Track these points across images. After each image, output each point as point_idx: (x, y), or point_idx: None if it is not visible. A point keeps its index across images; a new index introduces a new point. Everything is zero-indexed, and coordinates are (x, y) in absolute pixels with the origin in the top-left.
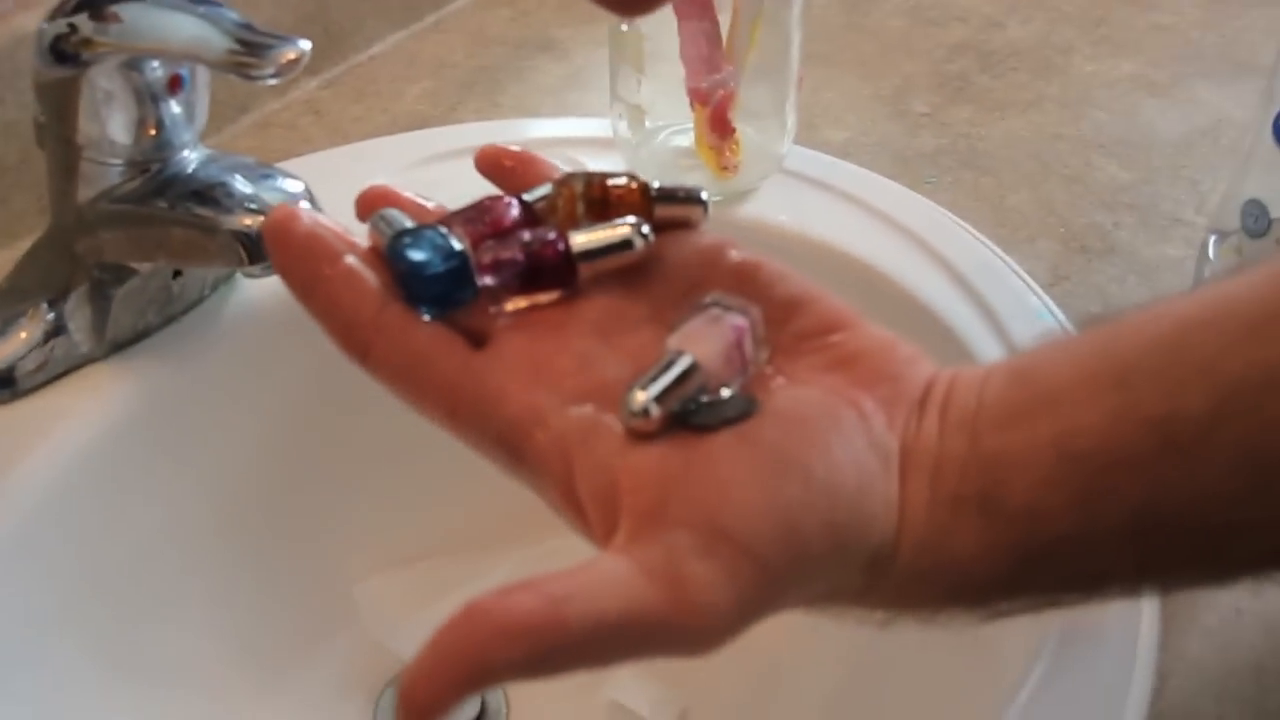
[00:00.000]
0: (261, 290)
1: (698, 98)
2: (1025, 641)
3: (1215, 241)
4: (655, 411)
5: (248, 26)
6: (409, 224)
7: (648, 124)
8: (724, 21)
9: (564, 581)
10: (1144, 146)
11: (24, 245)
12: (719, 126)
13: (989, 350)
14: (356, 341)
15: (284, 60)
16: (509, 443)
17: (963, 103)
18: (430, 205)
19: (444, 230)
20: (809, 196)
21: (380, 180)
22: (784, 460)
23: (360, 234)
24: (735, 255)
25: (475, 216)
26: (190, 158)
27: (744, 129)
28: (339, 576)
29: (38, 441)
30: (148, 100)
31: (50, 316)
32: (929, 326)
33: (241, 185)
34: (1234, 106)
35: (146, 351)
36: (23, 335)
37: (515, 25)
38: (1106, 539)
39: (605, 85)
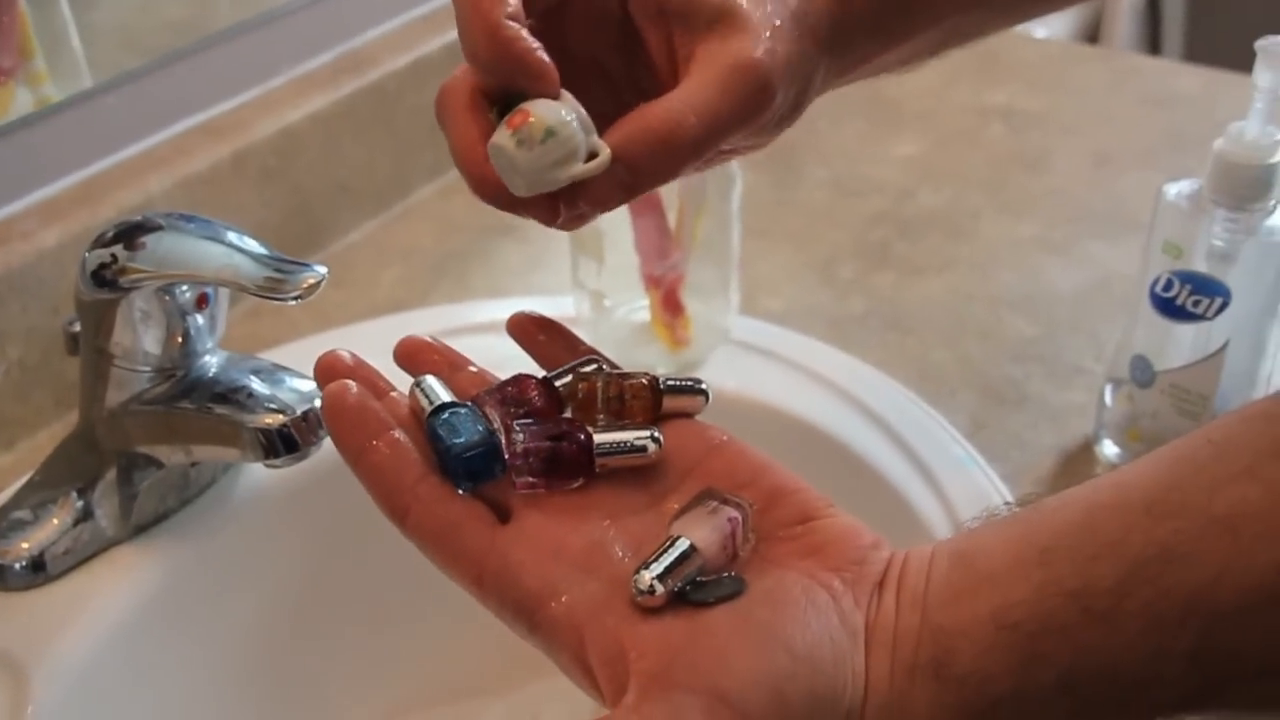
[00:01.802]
0: (265, 475)
1: (652, 282)
2: None
3: (1111, 389)
4: (660, 589)
5: (272, 255)
6: (445, 395)
7: (606, 304)
8: (671, 216)
9: None
10: (1046, 302)
11: (42, 436)
12: (671, 306)
13: (922, 499)
14: (397, 506)
15: (306, 285)
16: (526, 611)
17: (885, 268)
18: (468, 365)
19: (477, 412)
20: (754, 363)
21: (384, 359)
22: (772, 635)
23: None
24: (723, 443)
25: (506, 399)
26: (211, 362)
27: (693, 306)
28: None
29: (68, 622)
30: (177, 316)
31: (79, 505)
32: (868, 480)
33: (260, 387)
34: (1122, 262)
35: (166, 533)
36: (54, 522)
37: (476, 212)
38: (1040, 695)
39: (565, 265)
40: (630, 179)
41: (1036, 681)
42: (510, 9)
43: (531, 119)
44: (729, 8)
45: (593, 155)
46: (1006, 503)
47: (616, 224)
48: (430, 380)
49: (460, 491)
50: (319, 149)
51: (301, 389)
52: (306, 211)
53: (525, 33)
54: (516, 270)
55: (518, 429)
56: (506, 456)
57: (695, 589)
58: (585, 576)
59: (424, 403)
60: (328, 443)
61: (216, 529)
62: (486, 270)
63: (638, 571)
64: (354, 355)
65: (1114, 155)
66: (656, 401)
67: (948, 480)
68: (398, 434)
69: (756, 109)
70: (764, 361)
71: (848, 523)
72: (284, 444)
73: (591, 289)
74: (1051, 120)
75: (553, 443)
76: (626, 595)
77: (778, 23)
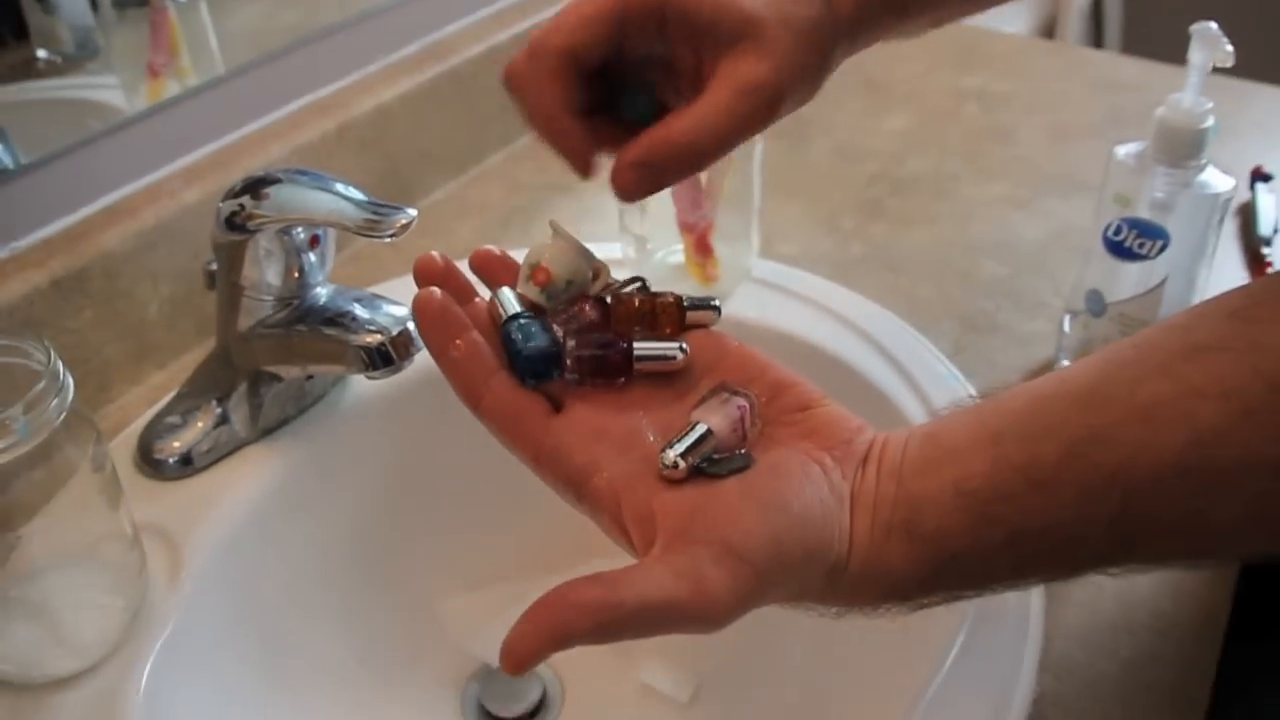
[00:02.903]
0: (367, 387)
1: (686, 228)
2: (949, 624)
3: (1069, 319)
4: (682, 465)
5: (370, 201)
6: (517, 307)
7: (649, 246)
8: (703, 174)
9: (619, 577)
10: (1014, 249)
11: (188, 358)
12: (702, 249)
13: (909, 404)
14: (472, 395)
15: (399, 224)
16: (575, 483)
17: (879, 220)
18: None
19: (544, 321)
20: (771, 297)
21: (487, 249)
22: (773, 499)
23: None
24: (735, 347)
25: (569, 316)
26: (322, 293)
27: (721, 249)
28: (431, 596)
29: (211, 506)
30: (294, 254)
31: (218, 412)
32: (868, 392)
33: (361, 312)
34: (1075, 215)
35: (287, 435)
36: (198, 426)
37: (537, 174)
38: (991, 550)
39: (613, 215)
40: (656, 179)
41: (988, 539)
42: (564, 98)
43: (554, 275)
44: (748, 28)
45: (596, 274)
46: (970, 395)
47: None
48: (506, 292)
49: (526, 386)
50: (407, 123)
51: (396, 313)
52: (396, 174)
53: (576, 124)
54: (571, 220)
55: (573, 339)
56: (563, 360)
57: (711, 464)
58: (622, 455)
59: (500, 311)
60: (420, 358)
61: (328, 432)
62: (543, 220)
63: (663, 451)
64: (445, 258)
65: (1068, 129)
66: (681, 316)
67: (932, 391)
68: (475, 335)
69: (763, 122)
70: (780, 296)
71: (838, 411)
72: (382, 359)
73: (636, 234)
74: (1017, 100)
75: (601, 350)
76: (656, 470)
77: (796, 36)
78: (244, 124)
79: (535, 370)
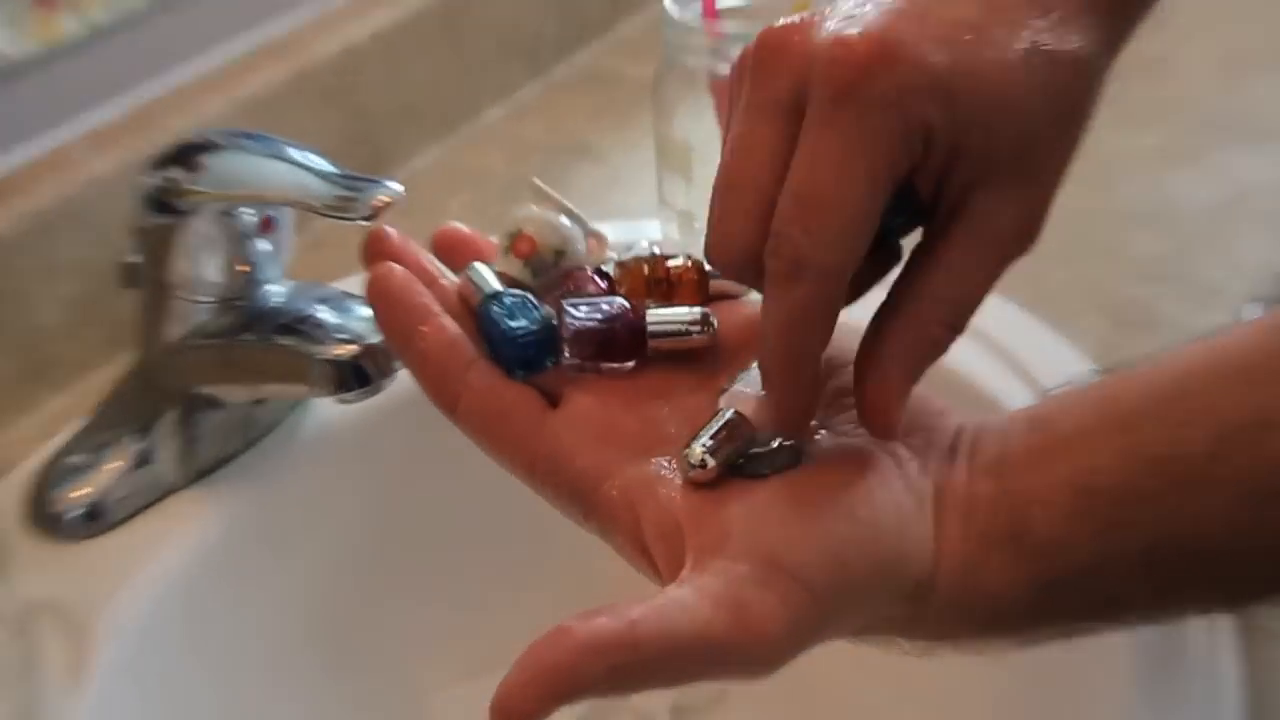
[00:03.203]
0: (335, 414)
1: None
2: (1099, 672)
3: (1254, 310)
4: (711, 462)
5: (342, 173)
6: (497, 284)
7: (697, 225)
8: None
9: (638, 607)
10: (1175, 218)
11: (96, 377)
12: None
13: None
14: (447, 395)
15: (380, 202)
16: (581, 494)
17: None
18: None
19: (532, 298)
20: None
21: (454, 226)
22: (829, 502)
23: None
24: None
25: (558, 282)
26: (276, 291)
27: None
28: (418, 687)
29: (128, 574)
30: (240, 241)
31: (137, 449)
32: (987, 411)
33: (328, 316)
34: (1261, 174)
35: (229, 477)
36: (111, 468)
37: (550, 133)
38: (1123, 567)
39: (645, 186)
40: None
41: (1117, 552)
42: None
43: (540, 244)
44: (1024, 150)
45: (593, 244)
46: (1093, 369)
47: (706, 138)
48: (480, 267)
49: (513, 379)
50: (382, 69)
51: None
52: (369, 136)
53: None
54: (594, 192)
55: (568, 308)
56: (560, 340)
57: (750, 461)
58: (638, 457)
59: (474, 291)
60: (403, 375)
61: (283, 472)
62: (561, 193)
63: (688, 445)
64: (402, 235)
65: (1244, 58)
66: (703, 283)
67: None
68: (446, 319)
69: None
70: None
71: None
72: (355, 376)
73: (680, 210)
74: (1172, 21)
75: (606, 324)
76: (679, 472)
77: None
78: (170, 71)
79: (524, 356)
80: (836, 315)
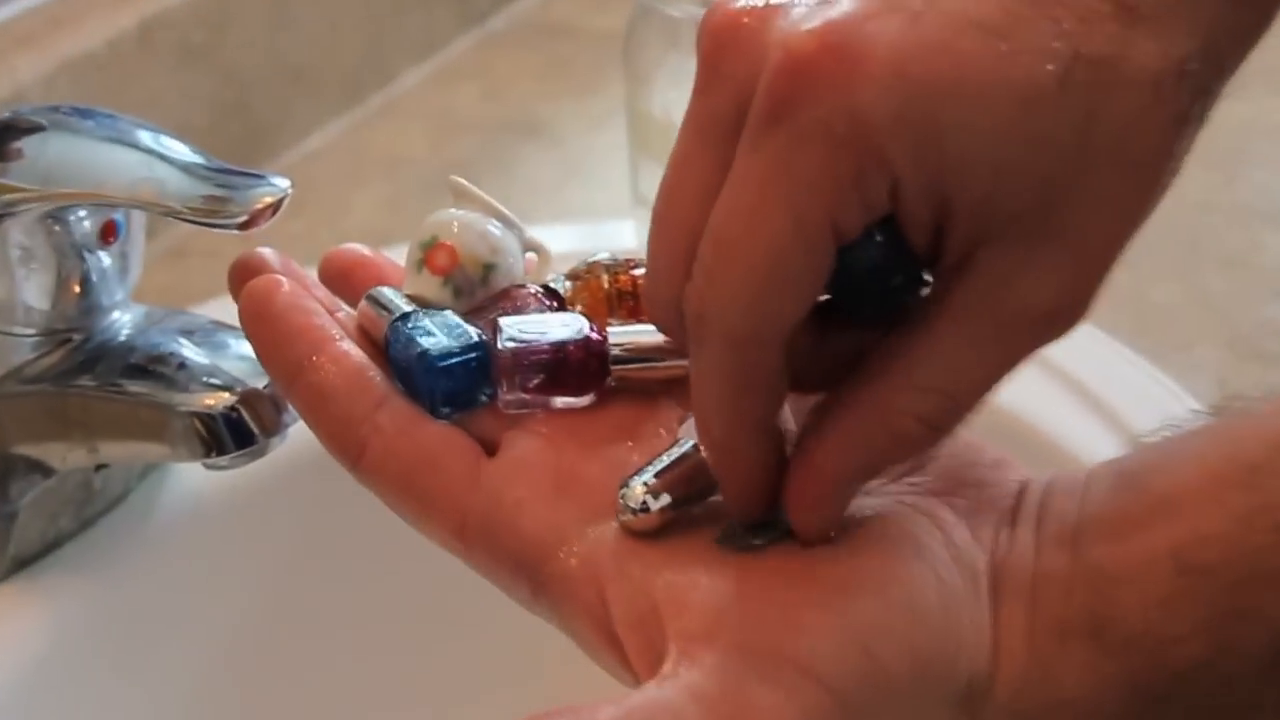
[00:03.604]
0: (199, 477)
1: None
2: None
3: None
4: (654, 506)
5: (210, 165)
6: (405, 305)
7: None
8: None
9: (607, 709)
10: None
11: None
12: None
13: None
14: (349, 442)
15: (262, 205)
16: (528, 566)
17: None
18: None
19: (456, 316)
20: None
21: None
22: (854, 577)
23: None
24: None
25: (490, 304)
26: (123, 320)
27: None
28: None
29: None
30: (72, 255)
31: None
32: (1051, 458)
33: (195, 354)
34: None
35: (58, 566)
36: None
37: (488, 104)
38: (1245, 667)
39: (617, 174)
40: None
41: (1236, 648)
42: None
43: (463, 256)
44: (1055, 201)
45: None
46: (1195, 410)
47: None
48: (385, 290)
49: (437, 417)
50: (262, 20)
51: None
52: (245, 108)
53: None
54: (548, 184)
55: (506, 326)
56: (496, 367)
57: (735, 534)
58: (601, 515)
59: (380, 315)
60: (297, 433)
61: (130, 561)
62: (504, 186)
63: (624, 483)
64: (282, 256)
65: None
66: None
67: None
68: (347, 344)
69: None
70: None
71: (958, 437)
72: (232, 434)
73: None
74: None
75: (555, 345)
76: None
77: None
78: None
79: (450, 387)
80: (771, 386)
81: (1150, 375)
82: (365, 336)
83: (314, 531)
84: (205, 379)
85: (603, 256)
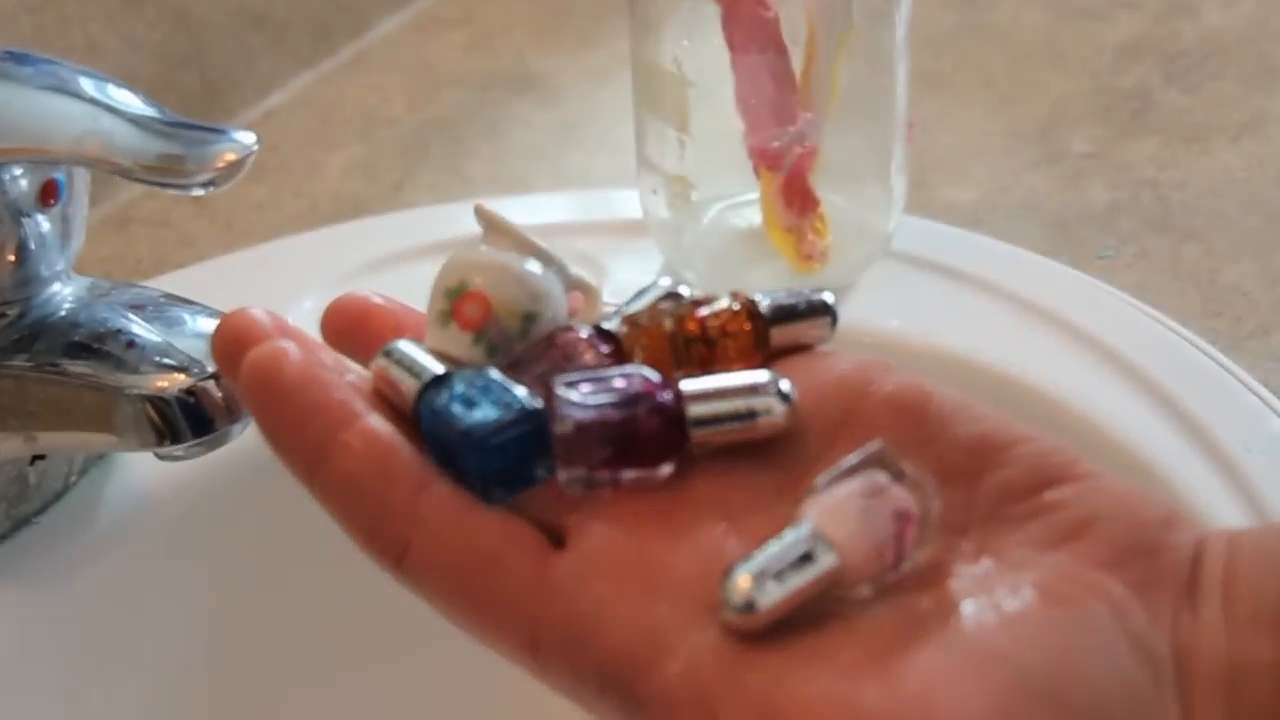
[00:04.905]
0: (151, 471)
1: (765, 161)
2: None
3: None
4: (764, 604)
5: (164, 117)
6: (434, 364)
7: (694, 197)
8: (797, 53)
9: None
10: None
11: None
12: (797, 199)
13: (1217, 500)
14: (389, 539)
15: (222, 162)
16: (618, 681)
17: (1143, 134)
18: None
19: (498, 375)
20: (929, 289)
21: (335, 294)
22: (1020, 678)
23: None
24: (890, 384)
25: (535, 355)
26: (63, 293)
27: (831, 199)
28: None
29: None
30: (7, 218)
31: None
32: (1128, 471)
33: (144, 331)
34: None
35: None
36: None
37: (475, 56)
38: None
39: (621, 136)
40: None
41: None
42: None
43: (496, 305)
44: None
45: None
46: None
47: (707, 69)
48: (406, 346)
49: (489, 502)
50: None
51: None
52: (200, 57)
53: None
54: (541, 147)
55: (561, 390)
56: (554, 440)
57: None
58: (703, 616)
59: (404, 379)
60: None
61: (69, 565)
62: (492, 148)
63: (727, 575)
64: (275, 316)
65: None
66: (761, 333)
67: (1256, 470)
68: (375, 420)
69: None
70: (944, 285)
71: (1119, 488)
72: (188, 420)
73: (670, 174)
74: None
75: (623, 409)
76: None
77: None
78: None
79: (501, 466)
80: None
81: (1221, 365)
82: (384, 401)
83: (276, 531)
84: (157, 359)
85: (659, 288)
